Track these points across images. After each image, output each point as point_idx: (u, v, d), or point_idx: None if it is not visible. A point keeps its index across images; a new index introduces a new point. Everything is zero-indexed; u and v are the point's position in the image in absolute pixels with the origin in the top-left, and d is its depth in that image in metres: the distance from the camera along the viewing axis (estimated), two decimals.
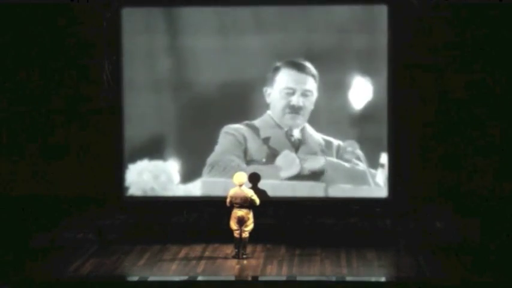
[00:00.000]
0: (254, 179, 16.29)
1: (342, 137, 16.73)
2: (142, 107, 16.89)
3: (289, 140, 16.74)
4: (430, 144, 16.94)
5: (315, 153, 16.69)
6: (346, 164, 16.62)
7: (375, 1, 16.57)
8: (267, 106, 16.78)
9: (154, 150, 16.93)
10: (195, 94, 16.81)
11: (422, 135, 16.90)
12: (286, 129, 16.73)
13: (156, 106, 16.87)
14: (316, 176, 16.68)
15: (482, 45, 16.71)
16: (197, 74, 16.75)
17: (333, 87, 16.68)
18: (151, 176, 16.95)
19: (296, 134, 16.70)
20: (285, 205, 16.82)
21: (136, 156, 16.95)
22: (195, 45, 16.71)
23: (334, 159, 16.65)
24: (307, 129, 16.74)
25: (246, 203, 15.06)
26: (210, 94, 16.78)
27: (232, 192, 15.16)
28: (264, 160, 16.72)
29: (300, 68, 16.66)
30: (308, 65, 16.64)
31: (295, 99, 16.65)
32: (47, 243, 15.89)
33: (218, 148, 16.79)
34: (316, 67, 16.66)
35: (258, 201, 15.12)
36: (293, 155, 16.69)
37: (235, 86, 16.73)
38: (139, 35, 16.78)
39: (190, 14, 16.73)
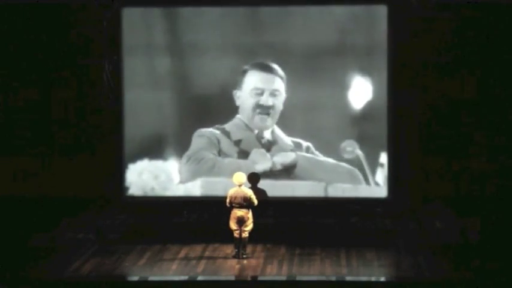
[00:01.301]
0: (253, 179, 16.28)
1: (342, 136, 16.73)
2: (142, 107, 16.89)
3: (260, 142, 16.76)
4: (430, 143, 16.94)
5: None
6: (318, 158, 16.67)
7: (374, 1, 16.57)
8: (236, 110, 16.77)
9: (154, 150, 16.94)
10: (195, 94, 16.83)
11: (422, 134, 16.90)
12: (256, 131, 16.74)
13: (156, 106, 16.88)
14: (289, 170, 16.69)
15: (483, 45, 16.71)
16: (197, 74, 16.76)
17: (333, 87, 16.69)
18: (151, 176, 16.95)
19: (267, 135, 16.73)
20: (285, 205, 16.83)
21: (136, 156, 16.95)
22: (195, 45, 16.72)
23: (305, 153, 16.64)
24: (277, 131, 16.76)
25: (246, 202, 15.05)
26: (211, 94, 16.79)
27: (232, 191, 15.15)
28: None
29: (268, 69, 16.68)
30: (275, 66, 16.65)
31: (264, 99, 16.67)
32: (47, 243, 15.88)
33: (194, 146, 16.80)
34: (316, 66, 16.66)
35: (256, 202, 15.10)
36: (263, 150, 16.73)
37: (235, 86, 16.75)
38: (139, 35, 16.79)
39: (190, 14, 16.74)
